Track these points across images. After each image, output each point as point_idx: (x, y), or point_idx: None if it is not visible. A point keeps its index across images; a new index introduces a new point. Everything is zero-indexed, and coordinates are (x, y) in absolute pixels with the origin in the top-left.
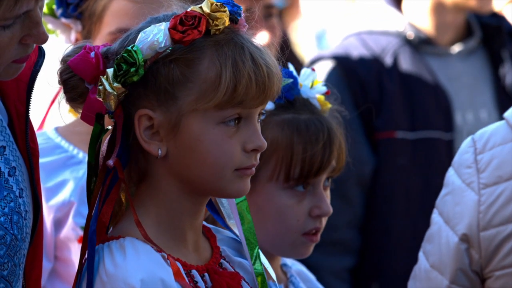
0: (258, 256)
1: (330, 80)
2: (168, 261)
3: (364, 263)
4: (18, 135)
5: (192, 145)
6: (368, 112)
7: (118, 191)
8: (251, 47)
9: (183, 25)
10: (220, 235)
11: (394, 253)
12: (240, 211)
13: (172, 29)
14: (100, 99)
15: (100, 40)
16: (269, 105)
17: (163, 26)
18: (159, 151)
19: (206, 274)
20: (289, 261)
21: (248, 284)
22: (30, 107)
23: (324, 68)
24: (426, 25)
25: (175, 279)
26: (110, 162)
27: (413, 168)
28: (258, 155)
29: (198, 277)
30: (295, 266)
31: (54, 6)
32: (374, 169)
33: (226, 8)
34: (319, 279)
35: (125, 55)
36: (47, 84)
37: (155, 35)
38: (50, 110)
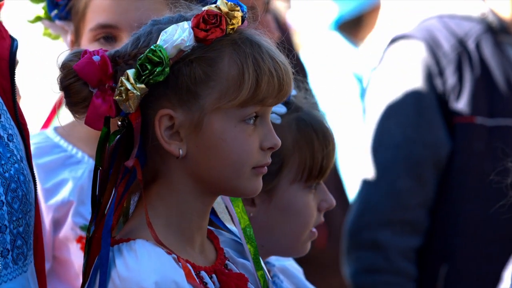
0: (257, 255)
1: (413, 59)
2: (180, 263)
3: (432, 244)
4: (8, 111)
5: (213, 144)
6: (447, 96)
7: (128, 193)
8: (266, 44)
9: (206, 23)
10: (222, 237)
11: (464, 237)
12: (237, 211)
13: (195, 27)
14: (120, 100)
15: (84, 37)
16: (283, 109)
17: (187, 25)
18: (180, 151)
19: (214, 275)
20: (272, 259)
21: (252, 285)
22: (15, 83)
23: (409, 46)
24: (507, 13)
25: (187, 280)
26: (130, 163)
27: (488, 154)
28: (270, 153)
29: (207, 278)
30: (279, 263)
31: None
32: (450, 153)
33: (239, 8)
34: (386, 258)
35: (150, 54)
36: (48, 89)
37: (180, 34)
38: (53, 114)
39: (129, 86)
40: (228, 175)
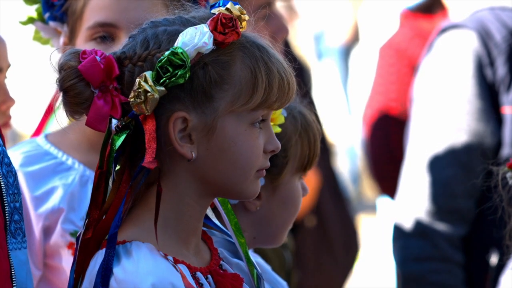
0: (247, 252)
1: (464, 48)
2: (177, 265)
3: (480, 233)
4: None
5: (225, 147)
6: (497, 86)
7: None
8: (269, 48)
9: (224, 27)
10: (214, 237)
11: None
12: (224, 210)
13: (214, 31)
14: (137, 102)
15: (81, 37)
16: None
17: (206, 28)
18: (193, 154)
19: (209, 276)
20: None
21: (247, 285)
22: None
23: (460, 36)
24: None
25: (184, 283)
26: (152, 165)
27: None
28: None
29: (203, 279)
30: (254, 259)
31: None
32: (497, 143)
33: (245, 12)
34: (435, 245)
35: (172, 57)
36: (40, 92)
37: (201, 37)
38: (45, 119)
39: (148, 88)
40: (235, 178)
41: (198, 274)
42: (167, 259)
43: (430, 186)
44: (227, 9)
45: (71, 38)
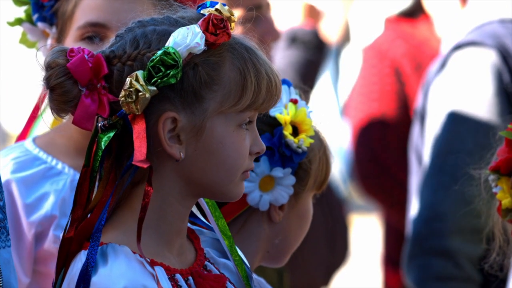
0: (234, 247)
1: (485, 66)
2: (153, 267)
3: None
4: None
5: (213, 148)
6: None
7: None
8: (256, 50)
9: (215, 27)
10: (203, 236)
11: None
12: (208, 205)
13: (206, 31)
14: (128, 102)
15: (70, 37)
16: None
17: (198, 29)
18: (182, 154)
19: (190, 277)
20: None
21: (233, 285)
22: None
23: (479, 53)
24: None
25: (158, 286)
26: (144, 163)
27: None
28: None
29: (182, 281)
30: (254, 275)
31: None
32: None
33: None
34: (457, 265)
35: (164, 57)
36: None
37: (193, 38)
38: (30, 122)
39: (140, 88)
40: (221, 179)
41: (177, 276)
42: (143, 262)
43: (454, 204)
44: (217, 10)
45: (60, 39)
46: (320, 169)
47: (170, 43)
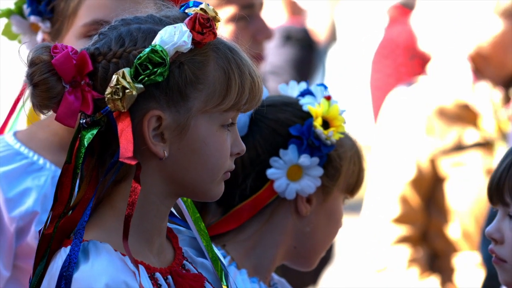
0: (210, 246)
1: None
2: (132, 265)
3: None
4: None
5: (196, 147)
6: None
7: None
8: (239, 50)
9: (202, 27)
10: (181, 235)
11: None
12: (186, 205)
13: (192, 30)
14: (114, 99)
15: (71, 34)
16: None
17: (185, 27)
18: (165, 153)
19: (169, 276)
20: None
21: (211, 284)
22: None
23: None
24: None
25: (139, 283)
26: (132, 160)
27: None
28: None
29: (161, 280)
30: (276, 276)
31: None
32: None
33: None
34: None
35: (152, 55)
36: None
37: (181, 36)
38: (11, 114)
39: (126, 85)
40: (203, 178)
41: (157, 275)
42: (124, 259)
43: None
44: (202, 9)
45: (56, 35)
46: (351, 170)
47: (157, 41)
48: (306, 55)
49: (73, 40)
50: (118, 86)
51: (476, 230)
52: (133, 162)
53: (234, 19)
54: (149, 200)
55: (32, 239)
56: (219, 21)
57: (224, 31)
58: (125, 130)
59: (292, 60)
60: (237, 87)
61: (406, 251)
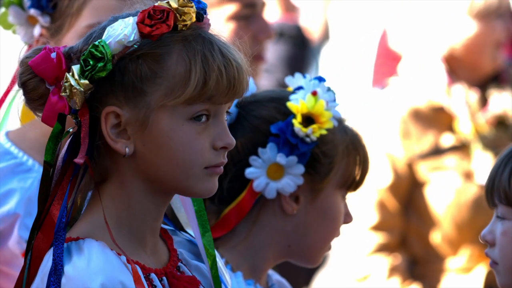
0: (214, 262)
1: None
2: (129, 265)
3: None
4: None
5: (160, 143)
6: None
7: (72, 190)
8: (219, 42)
9: (151, 19)
10: (177, 237)
11: None
12: (201, 220)
13: (140, 23)
14: (65, 96)
15: (74, 33)
16: (339, 113)
17: (131, 20)
18: (127, 150)
19: (164, 278)
20: (269, 271)
21: None
22: None
23: None
24: None
25: (135, 284)
26: (80, 160)
27: None
28: (226, 153)
29: (156, 281)
30: (275, 276)
31: None
32: None
33: (193, 4)
34: None
35: (93, 50)
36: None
37: (123, 30)
38: None
39: (73, 82)
40: (177, 175)
41: (152, 275)
42: (120, 258)
43: None
44: (167, 2)
45: (57, 32)
46: (346, 168)
47: (104, 36)
48: (299, 52)
49: (74, 39)
50: (66, 84)
51: (456, 234)
52: (81, 162)
53: (235, 17)
54: (135, 199)
55: (14, 243)
56: (188, 13)
57: (225, 28)
58: (85, 128)
59: (284, 58)
60: (197, 79)
61: (386, 259)
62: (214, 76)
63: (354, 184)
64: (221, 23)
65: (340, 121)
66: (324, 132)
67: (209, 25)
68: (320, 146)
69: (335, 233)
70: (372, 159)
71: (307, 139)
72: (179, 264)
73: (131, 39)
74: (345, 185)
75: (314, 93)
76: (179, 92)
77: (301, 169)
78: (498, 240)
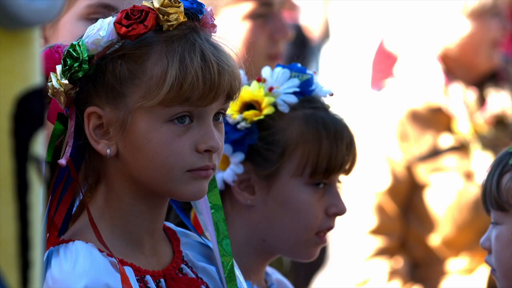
0: (232, 269)
1: None
2: (117, 266)
3: None
4: None
5: (139, 144)
6: None
7: (73, 192)
8: (203, 44)
9: (128, 19)
10: (186, 238)
11: None
12: (215, 222)
13: (117, 23)
14: (50, 96)
15: (73, 13)
16: (293, 99)
17: (109, 20)
18: (108, 151)
19: (162, 280)
20: (268, 270)
21: None
22: None
23: None
24: None
25: (123, 286)
26: (63, 162)
27: None
28: (215, 156)
29: (151, 283)
30: (275, 275)
31: None
32: None
33: (181, 4)
34: None
35: (71, 50)
36: None
37: (99, 30)
38: None
39: (54, 82)
40: (158, 177)
41: (148, 277)
42: (109, 259)
43: None
44: (151, 2)
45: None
46: (305, 159)
47: (84, 35)
48: (299, 51)
49: (73, 19)
50: (49, 83)
51: (457, 235)
52: (63, 164)
53: (251, 16)
54: (126, 201)
55: None
56: (172, 13)
57: (241, 27)
58: (70, 128)
59: (284, 57)
60: (171, 82)
61: (386, 263)
62: (190, 79)
63: (321, 172)
64: (237, 22)
65: (296, 107)
66: (254, 118)
67: (213, 25)
68: (262, 133)
69: (304, 223)
70: (369, 161)
71: (238, 126)
72: (182, 265)
73: (105, 39)
74: (304, 173)
75: (259, 80)
76: (154, 93)
77: (240, 157)
78: (493, 246)
